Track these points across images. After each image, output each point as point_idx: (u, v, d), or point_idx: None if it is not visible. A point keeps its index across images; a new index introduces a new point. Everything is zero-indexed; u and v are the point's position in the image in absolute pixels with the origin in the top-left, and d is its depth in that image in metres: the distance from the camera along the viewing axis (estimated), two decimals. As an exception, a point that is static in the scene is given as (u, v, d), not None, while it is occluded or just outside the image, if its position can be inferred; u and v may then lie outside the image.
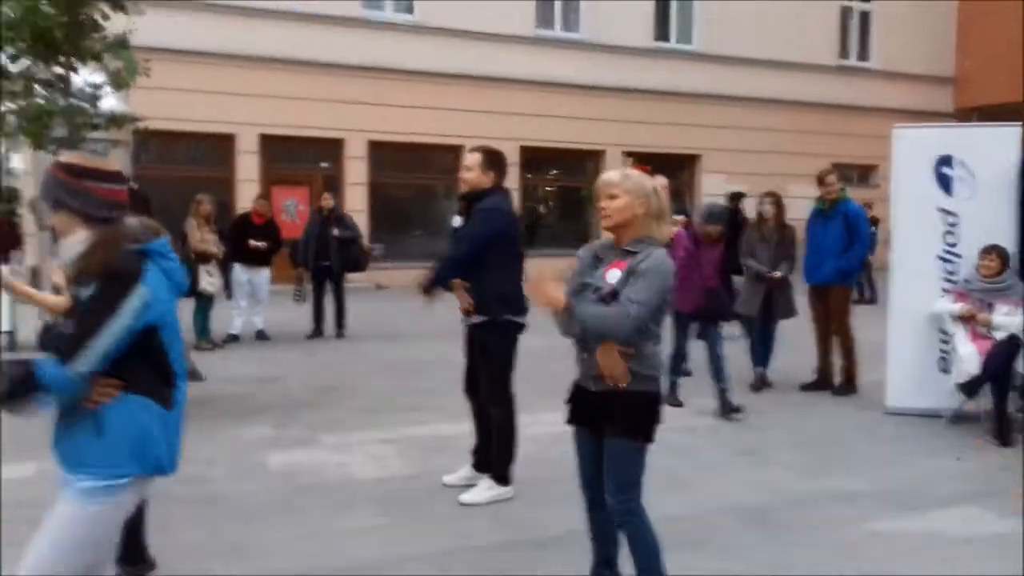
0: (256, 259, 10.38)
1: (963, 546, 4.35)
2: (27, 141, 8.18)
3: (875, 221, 13.58)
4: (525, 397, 5.05)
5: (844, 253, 7.52)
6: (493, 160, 4.80)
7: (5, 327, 9.89)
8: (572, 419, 3.47)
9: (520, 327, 4.83)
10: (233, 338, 10.24)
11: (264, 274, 10.56)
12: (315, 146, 16.94)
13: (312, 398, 7.37)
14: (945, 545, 4.35)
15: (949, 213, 6.73)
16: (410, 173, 18.16)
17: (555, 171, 19.79)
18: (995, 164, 6.60)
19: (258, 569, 3.93)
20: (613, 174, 3.35)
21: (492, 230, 4.66)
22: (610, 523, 3.49)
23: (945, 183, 6.71)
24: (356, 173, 17.09)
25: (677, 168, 19.63)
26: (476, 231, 4.66)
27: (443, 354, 8.67)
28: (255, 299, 10.55)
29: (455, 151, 17.83)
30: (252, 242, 10.20)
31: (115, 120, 8.51)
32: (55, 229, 2.55)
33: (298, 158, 17.11)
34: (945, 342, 6.75)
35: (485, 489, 4.80)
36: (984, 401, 6.42)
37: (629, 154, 18.32)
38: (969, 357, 6.32)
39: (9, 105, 8.06)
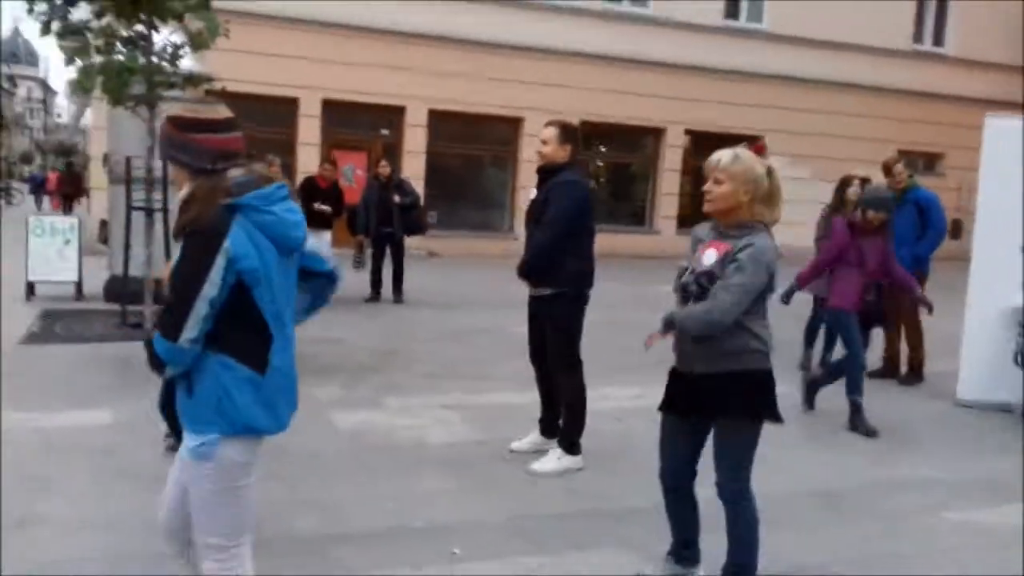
0: (320, 222, 10.45)
1: (1037, 540, 4.25)
2: (105, 97, 8.31)
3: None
4: (586, 371, 5.02)
5: (918, 241, 7.36)
6: (569, 134, 4.79)
7: (73, 277, 10.13)
8: (665, 406, 3.42)
9: (587, 299, 4.83)
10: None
11: (326, 237, 10.61)
12: (376, 112, 16.99)
13: (375, 362, 7.44)
14: (1011, 537, 4.25)
15: (1036, 204, 6.53)
16: (467, 143, 18.14)
17: (610, 147, 19.61)
18: (1088, 155, 6.38)
19: (339, 527, 3.99)
20: (723, 154, 3.23)
21: (572, 205, 4.65)
22: (689, 507, 3.48)
23: (1034, 174, 6.51)
24: (415, 141, 17.11)
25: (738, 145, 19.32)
26: (558, 210, 4.63)
27: (499, 323, 8.72)
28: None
29: (514, 123, 17.80)
30: (317, 205, 10.27)
31: (192, 79, 8.61)
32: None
33: (359, 124, 17.18)
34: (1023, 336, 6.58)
35: (555, 459, 4.80)
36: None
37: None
38: (1049, 352, 6.16)
39: (90, 61, 8.19)
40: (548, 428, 5.05)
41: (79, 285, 10.13)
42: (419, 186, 15.40)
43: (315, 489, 4.44)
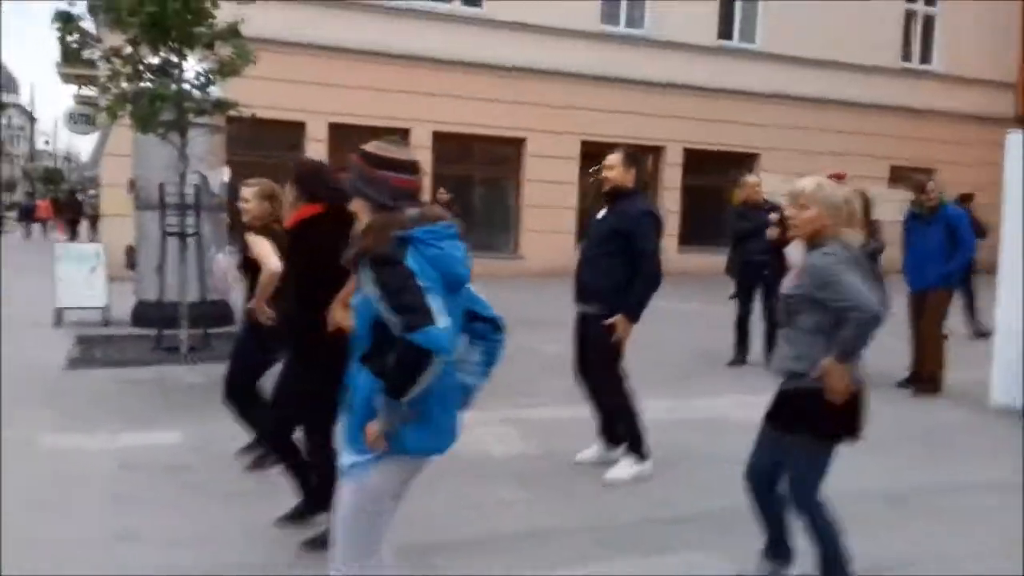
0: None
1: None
2: (134, 123, 8.41)
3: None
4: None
5: (947, 259, 7.53)
6: (634, 159, 5.01)
7: (101, 303, 10.17)
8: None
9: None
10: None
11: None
12: (382, 135, 17.08)
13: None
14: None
15: (1060, 216, 6.76)
16: (470, 165, 18.34)
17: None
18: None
19: (431, 536, 4.09)
20: (807, 183, 3.40)
21: (654, 231, 4.85)
22: (772, 507, 3.62)
23: (1059, 184, 6.74)
24: (421, 162, 17.23)
25: (735, 166, 19.63)
26: (651, 244, 4.83)
27: (527, 342, 8.81)
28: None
29: (517, 144, 18.02)
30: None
31: (220, 106, 8.74)
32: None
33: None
34: (1051, 342, 6.78)
35: (627, 466, 4.94)
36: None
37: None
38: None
39: (121, 88, 8.29)
40: (611, 437, 5.18)
41: (106, 310, 10.18)
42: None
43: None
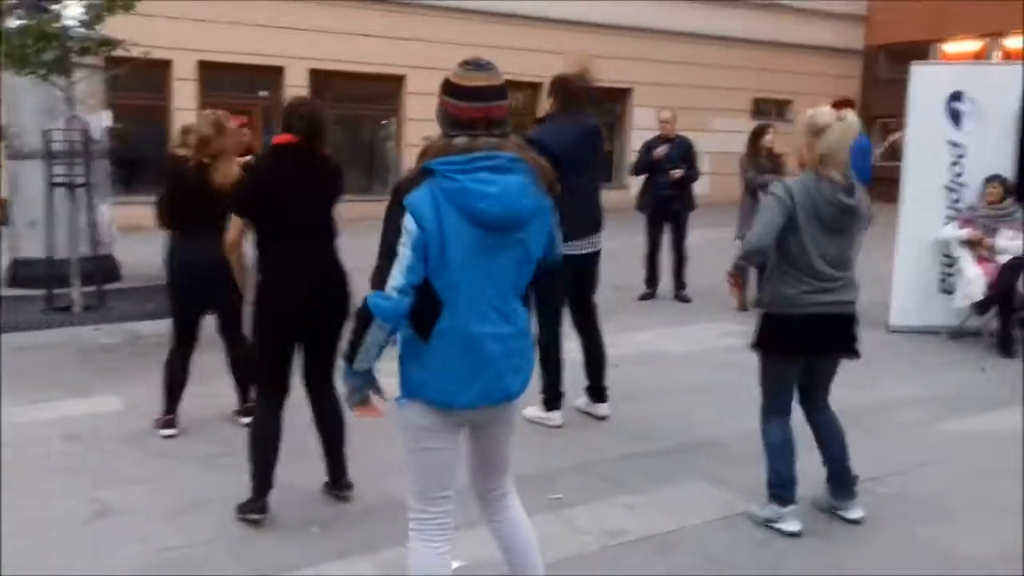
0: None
1: (1031, 442, 4.90)
2: (7, 64, 7.68)
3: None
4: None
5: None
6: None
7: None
8: None
9: None
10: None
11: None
12: (254, 74, 16.35)
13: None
14: (1014, 440, 4.88)
15: (957, 145, 7.26)
16: (350, 104, 17.77)
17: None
18: (1001, 99, 7.14)
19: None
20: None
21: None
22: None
23: (955, 117, 7.23)
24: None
25: (610, 100, 19.93)
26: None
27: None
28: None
29: (397, 81, 17.58)
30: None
31: (107, 44, 8.10)
32: None
33: (236, 86, 16.49)
34: (948, 265, 7.35)
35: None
36: (985, 318, 7.06)
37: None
38: (975, 279, 6.93)
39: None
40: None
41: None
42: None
43: (392, 454, 4.46)
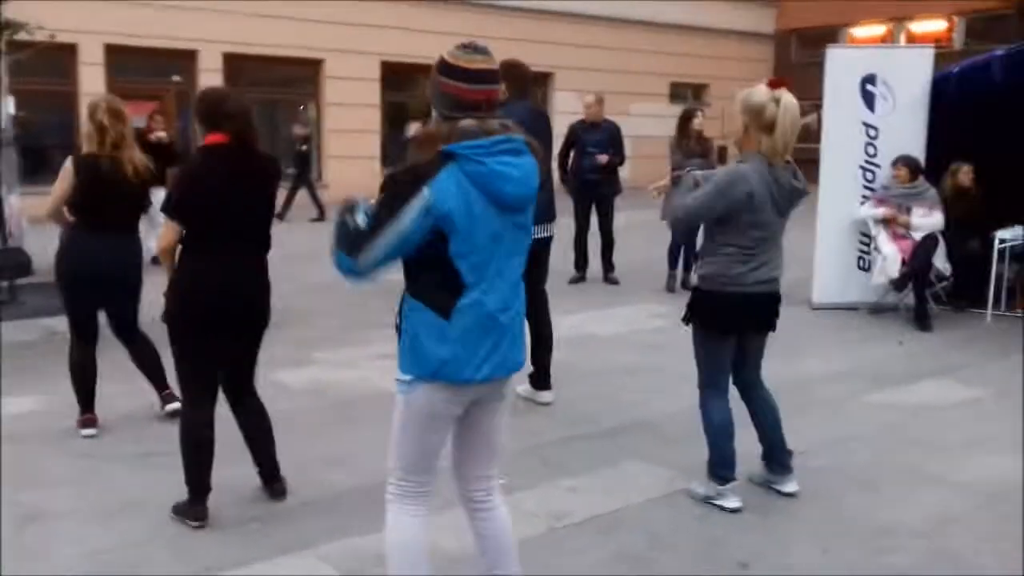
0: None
1: (948, 411, 5.13)
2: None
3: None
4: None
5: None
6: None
7: None
8: None
9: None
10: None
11: (161, 194, 9.99)
12: (165, 58, 15.83)
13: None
14: (935, 411, 5.12)
15: (870, 127, 7.50)
16: (267, 88, 17.38)
17: (414, 88, 19.54)
18: (912, 82, 7.40)
19: (369, 477, 4.00)
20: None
21: None
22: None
23: (869, 99, 7.46)
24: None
25: (532, 86, 19.93)
26: None
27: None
28: (152, 222, 9.98)
29: (314, 65, 17.28)
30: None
31: (9, 27, 7.74)
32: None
33: (147, 71, 15.95)
34: (865, 244, 7.61)
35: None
36: (902, 294, 7.34)
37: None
38: (892, 256, 7.19)
39: None
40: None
41: None
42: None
43: (325, 447, 4.43)
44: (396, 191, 2.36)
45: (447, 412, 2.54)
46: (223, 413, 3.72)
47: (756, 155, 3.57)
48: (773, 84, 3.58)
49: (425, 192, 2.31)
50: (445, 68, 2.43)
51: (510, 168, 2.38)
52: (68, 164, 4.47)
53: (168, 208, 3.54)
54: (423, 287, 2.46)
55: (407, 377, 2.49)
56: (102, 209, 4.45)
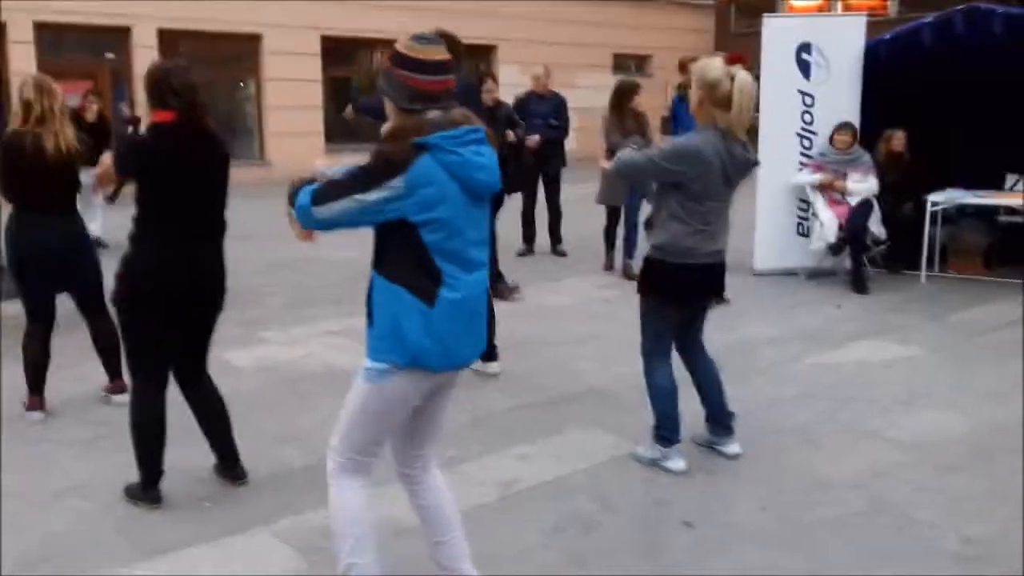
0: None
1: (885, 369, 5.32)
2: None
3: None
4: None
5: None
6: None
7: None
8: None
9: None
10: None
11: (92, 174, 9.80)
12: (98, 35, 15.39)
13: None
14: (873, 370, 5.30)
15: (806, 95, 7.66)
16: (205, 65, 16.98)
17: (358, 63, 19.30)
18: (845, 50, 7.55)
19: (324, 454, 4.03)
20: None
21: None
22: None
23: (804, 67, 7.60)
24: (146, 65, 15.67)
25: (474, 58, 19.83)
26: None
27: (314, 251, 8.59)
28: (91, 203, 9.77)
29: (253, 41, 16.95)
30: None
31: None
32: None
33: (79, 48, 15.51)
34: (803, 210, 7.79)
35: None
36: (839, 258, 7.55)
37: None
38: (829, 222, 7.38)
39: None
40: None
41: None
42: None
43: (275, 425, 4.43)
44: (376, 168, 2.37)
45: (415, 399, 2.56)
46: (171, 395, 3.70)
47: (710, 127, 3.64)
48: (730, 60, 3.66)
49: (397, 182, 2.34)
50: (401, 59, 2.43)
51: (480, 157, 2.44)
52: None
53: (117, 166, 3.55)
54: (401, 271, 2.44)
55: (382, 365, 2.47)
56: (32, 187, 4.35)
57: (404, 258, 2.43)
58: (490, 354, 5.20)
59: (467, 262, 2.49)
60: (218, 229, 3.60)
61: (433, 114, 2.40)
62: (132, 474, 3.59)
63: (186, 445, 3.82)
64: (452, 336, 2.47)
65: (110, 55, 15.71)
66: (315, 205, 2.43)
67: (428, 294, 2.43)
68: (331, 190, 2.42)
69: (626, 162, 3.81)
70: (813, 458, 4.05)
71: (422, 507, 2.78)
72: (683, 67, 8.42)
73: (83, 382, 4.90)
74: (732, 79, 3.57)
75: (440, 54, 2.44)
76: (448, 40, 2.55)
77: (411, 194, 2.35)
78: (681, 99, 8.38)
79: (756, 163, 3.78)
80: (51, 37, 14.80)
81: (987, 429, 4.37)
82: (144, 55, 15.62)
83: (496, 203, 5.82)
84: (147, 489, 3.57)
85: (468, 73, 5.09)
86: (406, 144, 2.36)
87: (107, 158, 4.01)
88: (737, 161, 3.66)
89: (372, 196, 2.37)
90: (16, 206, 4.44)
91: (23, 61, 14.42)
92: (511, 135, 7.73)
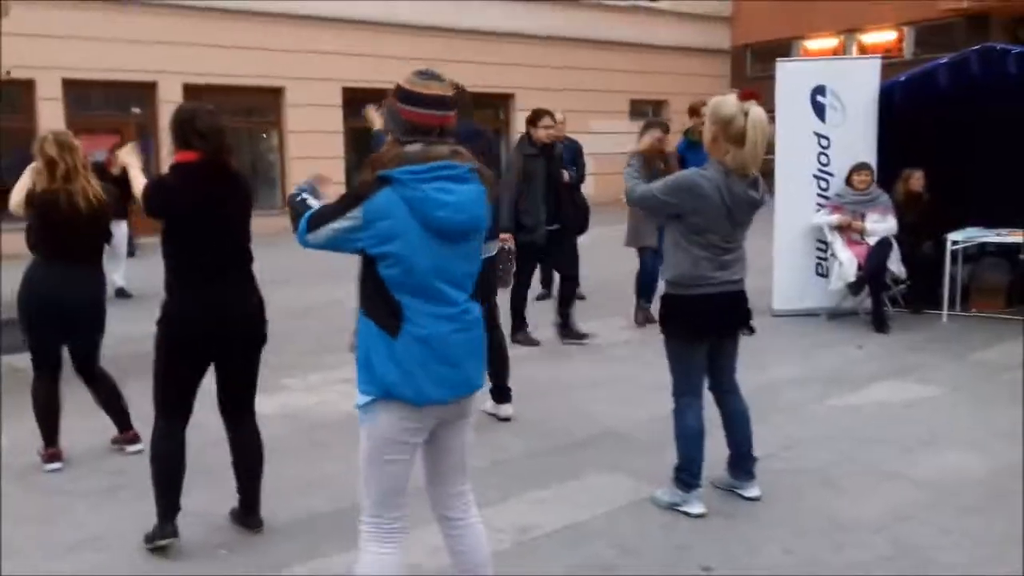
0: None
1: (906, 409, 5.25)
2: None
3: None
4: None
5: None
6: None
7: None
8: None
9: None
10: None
11: (124, 227, 9.97)
12: (124, 91, 15.78)
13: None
14: (894, 410, 5.23)
15: (822, 136, 7.68)
16: (229, 118, 17.34)
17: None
18: (860, 92, 7.59)
19: (348, 499, 4.01)
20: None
21: None
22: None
23: (819, 110, 7.64)
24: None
25: (492, 107, 20.14)
26: None
27: (335, 297, 8.67)
28: (115, 254, 9.93)
29: (276, 93, 17.29)
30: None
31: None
32: None
33: (106, 104, 15.88)
34: (822, 250, 7.76)
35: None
36: (859, 298, 7.50)
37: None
38: (848, 261, 7.34)
39: None
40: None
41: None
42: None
43: (300, 470, 4.43)
44: (348, 197, 2.45)
45: (407, 438, 2.54)
46: (190, 439, 3.72)
47: (715, 163, 3.65)
48: (744, 96, 3.67)
49: (356, 212, 2.40)
50: (403, 94, 2.49)
51: (444, 194, 2.41)
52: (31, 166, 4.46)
53: (146, 209, 3.55)
54: (369, 303, 2.51)
55: (365, 399, 2.50)
56: (61, 243, 4.43)
57: (369, 291, 2.49)
58: (504, 396, 5.19)
59: (437, 298, 2.48)
60: (245, 259, 3.65)
61: (412, 147, 2.44)
62: (149, 524, 3.59)
63: (206, 491, 3.84)
64: (422, 369, 2.46)
65: (136, 110, 16.08)
66: (308, 232, 2.50)
67: (390, 327, 2.46)
68: (320, 218, 2.49)
69: (630, 190, 3.86)
70: (834, 500, 3.99)
71: (456, 551, 2.76)
72: (693, 111, 8.46)
73: (98, 433, 4.91)
74: (746, 115, 3.58)
75: (439, 89, 2.49)
76: (455, 88, 2.62)
77: (367, 226, 2.40)
78: (690, 144, 8.38)
79: (761, 203, 3.76)
80: (78, 93, 15.18)
81: (1009, 469, 4.29)
82: (170, 110, 15.85)
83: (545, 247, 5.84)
84: (163, 525, 3.56)
85: (475, 121, 5.13)
86: (372, 176, 2.40)
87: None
88: (738, 199, 3.64)
89: (341, 224, 2.44)
90: (44, 256, 4.50)
91: (52, 117, 14.78)
92: (566, 175, 7.61)
